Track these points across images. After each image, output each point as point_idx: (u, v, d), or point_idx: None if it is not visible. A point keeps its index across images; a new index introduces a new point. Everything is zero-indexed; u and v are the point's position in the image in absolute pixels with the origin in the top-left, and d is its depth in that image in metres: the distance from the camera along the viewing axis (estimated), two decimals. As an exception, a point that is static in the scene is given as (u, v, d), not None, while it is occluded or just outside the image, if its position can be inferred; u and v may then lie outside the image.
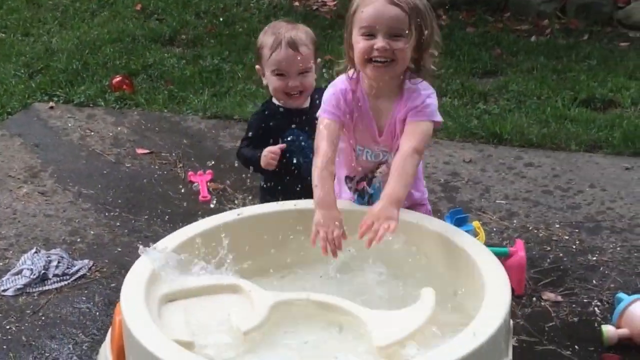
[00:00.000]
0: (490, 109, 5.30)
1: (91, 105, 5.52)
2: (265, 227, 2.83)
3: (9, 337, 3.27)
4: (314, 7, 7.59)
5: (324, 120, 2.82)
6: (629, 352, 3.07)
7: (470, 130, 4.96)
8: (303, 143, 3.21)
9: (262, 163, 3.20)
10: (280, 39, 3.16)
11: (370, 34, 2.70)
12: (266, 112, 3.33)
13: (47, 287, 3.56)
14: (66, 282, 3.60)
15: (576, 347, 3.12)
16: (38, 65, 6.19)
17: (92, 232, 4.00)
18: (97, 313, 3.40)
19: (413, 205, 2.97)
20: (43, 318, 3.38)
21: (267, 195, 3.26)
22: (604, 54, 6.21)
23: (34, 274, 3.58)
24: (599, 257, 3.70)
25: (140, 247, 2.61)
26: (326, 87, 2.94)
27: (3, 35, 7.01)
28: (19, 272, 3.61)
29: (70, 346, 3.20)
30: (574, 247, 3.80)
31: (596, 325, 3.23)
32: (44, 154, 4.86)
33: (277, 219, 2.86)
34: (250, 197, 4.18)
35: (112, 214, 4.17)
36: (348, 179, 2.98)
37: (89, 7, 7.61)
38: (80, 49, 6.46)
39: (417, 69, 2.82)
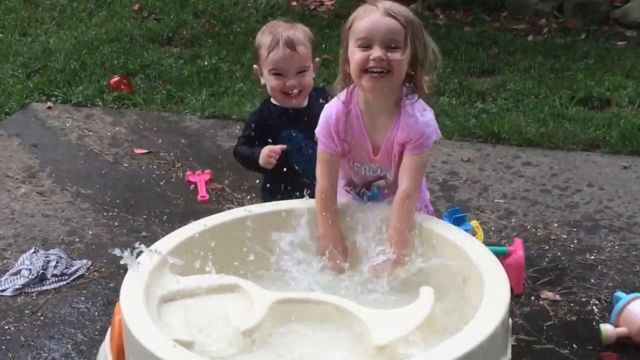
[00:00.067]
0: (488, 108, 5.31)
1: (89, 105, 5.52)
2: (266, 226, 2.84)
3: (8, 337, 3.26)
4: (312, 7, 7.59)
5: (320, 150, 2.87)
6: (627, 350, 3.08)
7: (469, 129, 4.96)
8: (302, 143, 3.21)
9: (261, 161, 3.19)
10: (278, 38, 3.15)
11: (366, 45, 2.71)
12: (264, 112, 3.32)
13: (45, 287, 3.56)
14: (65, 282, 3.60)
15: (574, 345, 3.13)
16: (36, 65, 6.18)
17: (90, 232, 4.00)
18: (96, 313, 3.40)
19: None
20: (42, 318, 3.38)
21: (267, 196, 3.27)
22: (601, 53, 6.21)
23: (33, 274, 3.58)
24: (597, 256, 3.71)
25: (126, 253, 2.56)
26: (324, 86, 2.94)
27: (0, 35, 7.00)
28: (18, 272, 3.61)
29: (69, 346, 3.20)
30: (572, 246, 3.80)
31: (594, 324, 3.24)
32: (42, 154, 4.86)
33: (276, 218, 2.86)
34: (248, 197, 4.19)
35: (110, 213, 4.17)
36: (348, 187, 3.01)
37: (87, 7, 7.60)
38: (78, 49, 6.45)
39: (413, 86, 2.82)
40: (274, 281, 2.73)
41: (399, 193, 2.76)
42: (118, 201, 4.29)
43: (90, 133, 5.12)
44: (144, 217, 4.13)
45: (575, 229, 3.93)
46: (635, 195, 4.23)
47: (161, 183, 4.49)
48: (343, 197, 2.95)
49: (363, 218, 2.81)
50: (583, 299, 3.41)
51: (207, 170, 4.48)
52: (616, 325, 3.13)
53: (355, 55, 2.72)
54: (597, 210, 4.10)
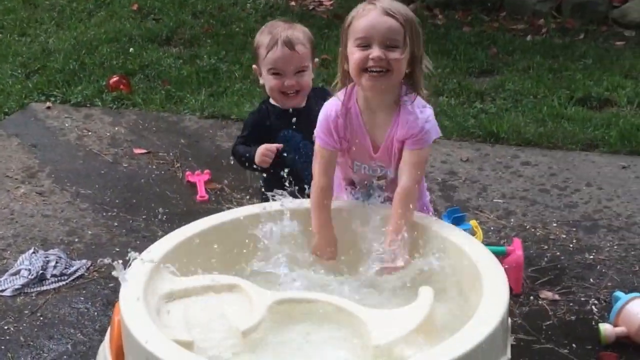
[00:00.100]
0: (487, 108, 5.31)
1: (88, 105, 5.52)
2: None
3: (7, 337, 3.27)
4: (311, 7, 7.60)
5: (318, 147, 2.87)
6: (627, 350, 3.08)
7: (467, 129, 4.96)
8: (300, 144, 3.21)
9: (257, 159, 3.18)
10: (277, 38, 3.15)
11: (365, 45, 2.70)
12: (263, 112, 3.32)
13: (45, 288, 3.56)
14: (64, 282, 3.60)
15: (574, 345, 3.13)
16: (35, 65, 6.18)
17: (90, 232, 4.01)
18: (96, 313, 3.41)
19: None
20: (41, 318, 3.38)
21: (265, 196, 3.26)
22: (600, 53, 6.22)
23: (32, 274, 3.58)
24: (596, 256, 3.71)
25: (117, 264, 2.52)
26: (323, 86, 2.94)
27: (0, 35, 7.00)
28: (17, 273, 3.61)
29: (69, 346, 3.21)
30: (571, 245, 3.80)
31: (593, 323, 3.24)
32: (42, 154, 4.86)
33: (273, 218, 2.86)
34: (248, 197, 4.19)
35: (109, 214, 4.17)
36: (347, 186, 3.01)
37: (86, 7, 7.60)
38: (77, 49, 6.45)
39: (411, 84, 2.82)
40: (273, 281, 2.73)
41: (399, 189, 2.75)
42: (117, 201, 4.30)
43: (90, 133, 5.13)
44: (144, 217, 4.13)
45: (574, 229, 3.94)
46: (634, 195, 4.23)
47: (160, 183, 4.49)
48: (343, 197, 2.95)
49: (363, 218, 2.81)
50: (582, 299, 3.41)
51: (207, 170, 4.48)
52: (615, 325, 3.13)
53: (355, 54, 2.72)
54: (596, 210, 4.11)
